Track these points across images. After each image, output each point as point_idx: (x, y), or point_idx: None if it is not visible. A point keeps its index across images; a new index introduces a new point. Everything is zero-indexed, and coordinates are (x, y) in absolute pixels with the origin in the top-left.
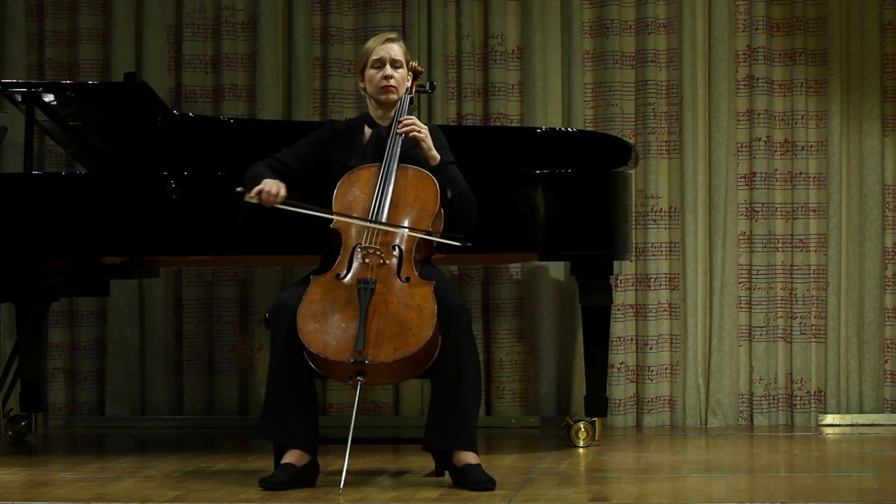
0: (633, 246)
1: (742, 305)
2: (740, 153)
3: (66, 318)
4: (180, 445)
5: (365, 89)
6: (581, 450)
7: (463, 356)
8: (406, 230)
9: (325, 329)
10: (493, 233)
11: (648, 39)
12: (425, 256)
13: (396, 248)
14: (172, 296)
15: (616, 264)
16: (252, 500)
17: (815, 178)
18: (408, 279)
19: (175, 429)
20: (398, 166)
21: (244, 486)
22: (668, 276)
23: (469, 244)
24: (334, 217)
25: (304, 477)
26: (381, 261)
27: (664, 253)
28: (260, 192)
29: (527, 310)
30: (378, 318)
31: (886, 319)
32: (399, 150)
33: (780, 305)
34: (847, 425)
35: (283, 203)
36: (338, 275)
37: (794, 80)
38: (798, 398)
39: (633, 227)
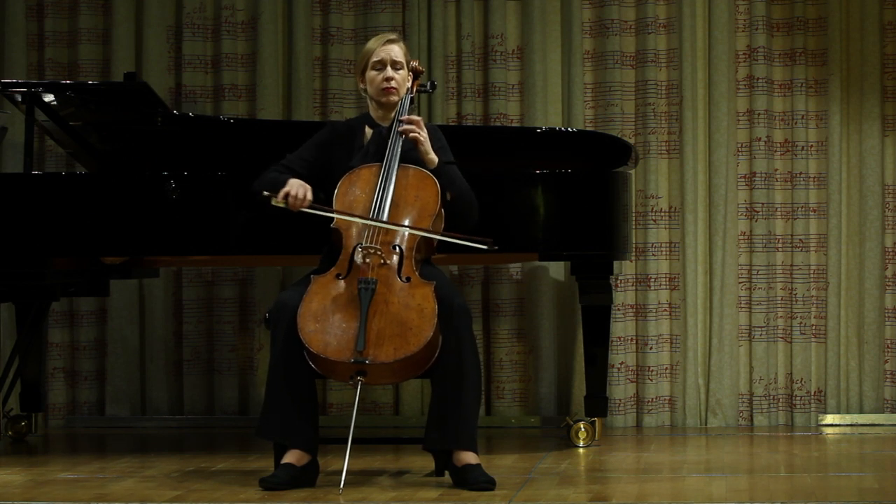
0: (633, 246)
1: (742, 305)
2: (740, 153)
3: (66, 318)
4: (180, 445)
5: (365, 90)
6: (581, 450)
7: (463, 356)
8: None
9: (326, 329)
10: (493, 233)
11: (648, 39)
12: (426, 256)
13: (397, 247)
14: (172, 296)
15: (616, 264)
16: (252, 500)
17: (815, 178)
18: (408, 279)
19: (175, 429)
20: (399, 166)
21: (244, 486)
22: (668, 276)
23: (496, 248)
24: (367, 222)
25: (304, 477)
26: (382, 261)
27: (664, 253)
28: (287, 196)
29: (527, 310)
30: (378, 318)
31: (886, 319)
32: (400, 149)
33: (780, 305)
34: (847, 425)
35: (309, 207)
36: (338, 274)
37: (794, 80)
38: (798, 398)
39: (633, 227)
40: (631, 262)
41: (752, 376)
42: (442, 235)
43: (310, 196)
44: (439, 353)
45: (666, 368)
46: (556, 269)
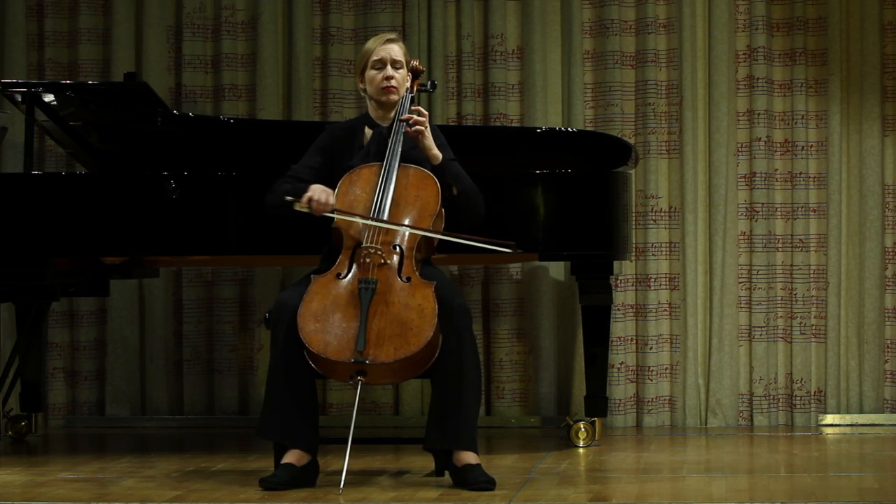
0: (633, 246)
1: (742, 305)
2: (740, 153)
3: (66, 318)
4: (180, 445)
5: (365, 90)
6: (581, 450)
7: (463, 356)
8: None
9: (326, 329)
10: (494, 233)
11: (648, 39)
12: (426, 256)
13: (397, 247)
14: (172, 296)
15: (616, 264)
16: (252, 500)
17: (815, 178)
18: (409, 279)
19: (175, 429)
20: (399, 166)
21: (244, 486)
22: (668, 276)
23: (520, 250)
24: (392, 227)
25: (304, 477)
26: (382, 260)
27: (664, 253)
28: (310, 200)
29: (527, 310)
30: (379, 318)
31: (886, 319)
32: (400, 149)
33: (780, 305)
34: (847, 425)
35: (331, 211)
36: (338, 274)
37: (794, 80)
38: (798, 398)
39: (633, 227)
40: (631, 262)
41: (752, 376)
42: (464, 239)
43: (332, 200)
44: (439, 353)
45: (666, 368)
46: (556, 269)
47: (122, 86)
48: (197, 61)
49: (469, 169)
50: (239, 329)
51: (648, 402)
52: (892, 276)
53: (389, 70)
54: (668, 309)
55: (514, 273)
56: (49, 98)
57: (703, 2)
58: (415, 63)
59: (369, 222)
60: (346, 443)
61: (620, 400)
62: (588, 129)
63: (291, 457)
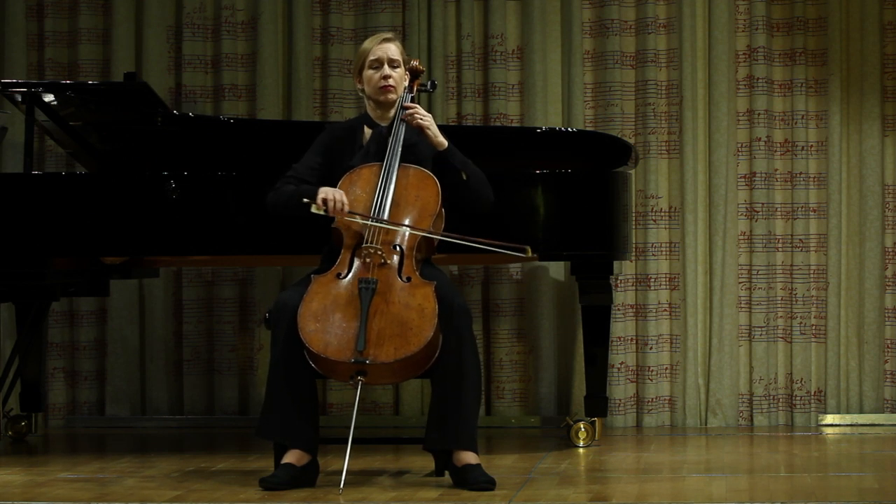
0: (633, 246)
1: (742, 305)
2: (740, 153)
3: (66, 318)
4: (180, 445)
5: (363, 90)
6: (581, 450)
7: (463, 356)
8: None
9: (326, 329)
10: (494, 233)
11: (648, 39)
12: (426, 256)
13: (398, 247)
14: (172, 296)
15: (616, 264)
16: (252, 500)
17: (815, 178)
18: (409, 279)
19: (175, 429)
20: (399, 166)
21: (244, 486)
22: (668, 276)
23: (535, 255)
24: (393, 227)
25: (304, 477)
26: (383, 260)
27: (664, 253)
28: (325, 202)
29: (527, 310)
30: (379, 318)
31: (886, 319)
32: (400, 149)
33: (780, 305)
34: (847, 425)
35: (347, 215)
36: (339, 274)
37: (794, 80)
38: (798, 398)
39: (633, 227)
40: (631, 262)
41: (752, 376)
42: (477, 243)
43: (346, 200)
44: (439, 353)
45: (666, 368)
46: (556, 269)
47: (122, 86)
48: (197, 61)
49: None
50: (239, 329)
51: (648, 402)
52: (892, 276)
53: (387, 70)
54: (668, 309)
55: (514, 273)
56: (49, 98)
57: (703, 2)
58: (414, 63)
59: (370, 222)
60: (346, 443)
61: (620, 400)
62: (588, 129)
63: (291, 457)
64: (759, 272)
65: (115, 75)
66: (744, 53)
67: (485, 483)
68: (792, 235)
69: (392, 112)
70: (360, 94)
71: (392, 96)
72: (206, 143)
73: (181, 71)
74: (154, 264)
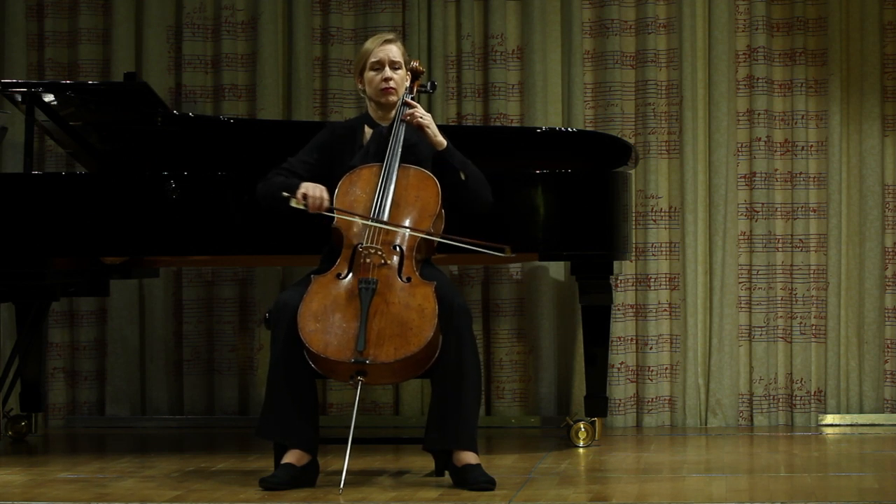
0: (633, 246)
1: (742, 305)
2: (740, 153)
3: (66, 318)
4: (180, 445)
5: (364, 91)
6: (581, 450)
7: (463, 356)
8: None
9: (326, 329)
10: (494, 233)
11: (648, 39)
12: (426, 256)
13: (397, 247)
14: (172, 296)
15: (616, 264)
16: (252, 500)
17: (815, 178)
18: (409, 279)
19: (175, 429)
20: (399, 166)
21: (244, 486)
22: (668, 276)
23: (513, 255)
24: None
25: (304, 477)
26: (383, 261)
27: (664, 253)
28: (305, 196)
29: (527, 310)
30: (379, 318)
31: (886, 319)
32: (400, 149)
33: (780, 305)
34: (847, 425)
35: (328, 210)
36: (339, 274)
37: (794, 80)
38: (798, 398)
39: (633, 227)
40: (631, 262)
41: (752, 376)
42: (458, 241)
43: (326, 196)
44: (439, 353)
45: (666, 368)
46: (556, 269)
47: (122, 86)
48: (197, 61)
49: None
50: (239, 329)
51: (648, 402)
52: (892, 276)
53: (388, 71)
54: (668, 309)
55: (514, 273)
56: (49, 98)
57: (703, 2)
58: (415, 64)
59: (369, 223)
60: (346, 443)
61: (620, 400)
62: (588, 129)
63: (291, 457)
64: (759, 272)
65: (115, 75)
66: (744, 53)
67: (485, 483)
68: (792, 235)
69: (393, 113)
70: (361, 95)
71: (393, 98)
72: (206, 143)
73: (181, 71)
74: (154, 264)
